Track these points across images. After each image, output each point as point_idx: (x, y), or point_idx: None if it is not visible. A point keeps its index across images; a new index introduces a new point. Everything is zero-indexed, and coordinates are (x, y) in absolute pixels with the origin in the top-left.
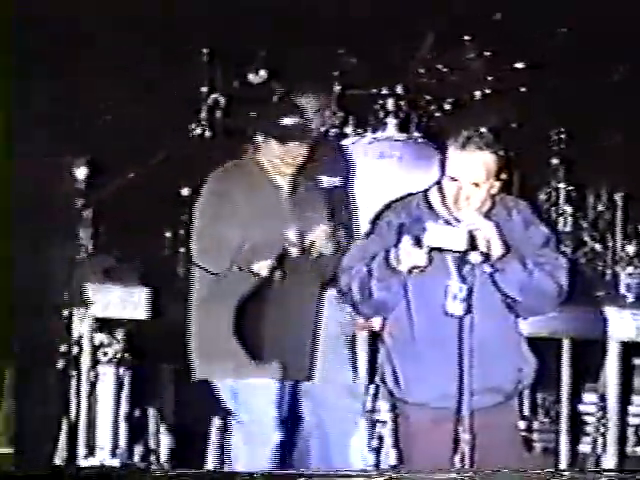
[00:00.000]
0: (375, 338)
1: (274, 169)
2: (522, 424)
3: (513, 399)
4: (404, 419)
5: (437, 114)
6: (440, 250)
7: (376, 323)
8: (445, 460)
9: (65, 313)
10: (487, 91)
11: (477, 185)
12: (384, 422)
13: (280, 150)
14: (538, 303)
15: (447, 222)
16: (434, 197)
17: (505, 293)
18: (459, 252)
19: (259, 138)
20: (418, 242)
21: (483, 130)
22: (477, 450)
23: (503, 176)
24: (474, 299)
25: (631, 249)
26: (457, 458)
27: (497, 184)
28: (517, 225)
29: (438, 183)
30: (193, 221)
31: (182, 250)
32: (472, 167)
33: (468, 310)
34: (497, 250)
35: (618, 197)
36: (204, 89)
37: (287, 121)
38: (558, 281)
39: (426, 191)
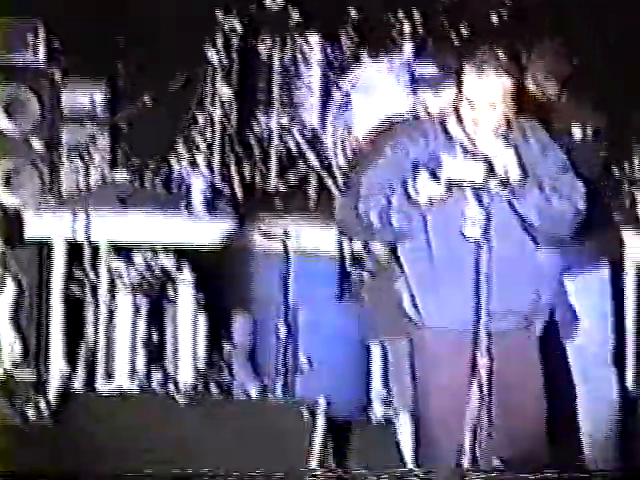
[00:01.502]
0: None
1: None
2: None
3: (532, 324)
4: (421, 344)
5: (454, 38)
6: (458, 182)
7: None
8: (464, 384)
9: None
10: (504, 15)
11: (493, 107)
12: None
13: None
14: (556, 228)
15: (463, 147)
16: (451, 121)
17: (523, 218)
18: (477, 183)
19: None
20: (435, 176)
21: (499, 52)
22: (495, 374)
23: (521, 99)
24: (492, 224)
25: None
26: (475, 381)
27: (514, 107)
28: (534, 149)
29: (454, 106)
30: None
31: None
32: (489, 89)
33: (486, 235)
34: (515, 175)
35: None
36: (220, 14)
37: None
38: (576, 205)
39: (442, 114)
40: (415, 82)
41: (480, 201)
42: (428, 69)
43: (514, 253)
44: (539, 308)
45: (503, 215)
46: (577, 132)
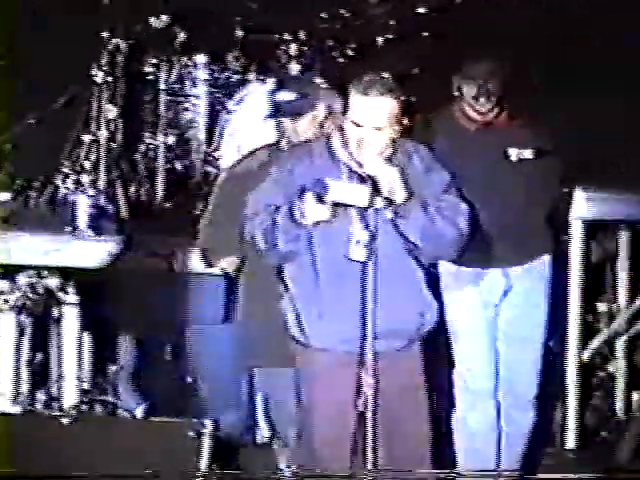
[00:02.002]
0: None
1: None
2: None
3: (415, 343)
4: (307, 364)
5: (340, 59)
6: (344, 205)
7: None
8: (349, 404)
9: None
10: (389, 36)
11: (379, 129)
12: None
13: None
14: (438, 248)
15: (348, 168)
16: (336, 142)
17: (407, 238)
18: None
19: None
20: (320, 198)
21: (385, 75)
22: (380, 394)
23: (404, 121)
24: (377, 245)
25: None
26: (360, 402)
27: (398, 129)
28: (418, 170)
29: (340, 128)
30: None
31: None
32: (374, 112)
33: (371, 255)
34: (400, 196)
35: None
36: (105, 34)
37: None
38: (458, 227)
39: (328, 136)
40: (277, 108)
41: (365, 222)
42: (289, 95)
43: (399, 274)
44: (423, 328)
45: (388, 236)
46: (514, 153)
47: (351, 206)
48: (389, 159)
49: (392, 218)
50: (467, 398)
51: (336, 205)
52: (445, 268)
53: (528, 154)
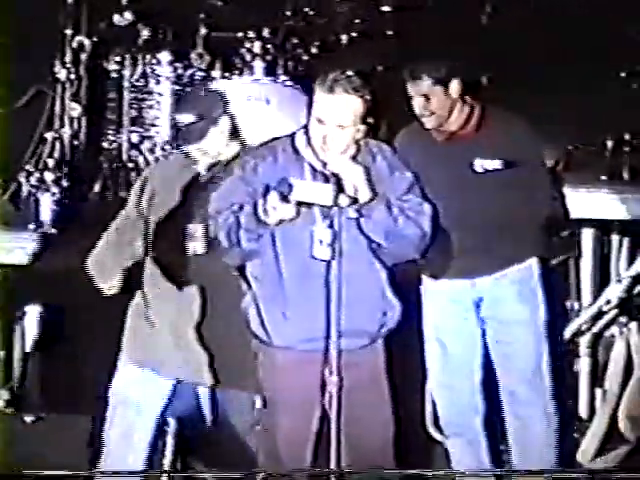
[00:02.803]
0: None
1: None
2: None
3: (377, 342)
4: (269, 362)
5: (304, 57)
6: (308, 204)
7: None
8: (311, 403)
9: None
10: (354, 34)
11: (343, 128)
12: None
13: None
14: (401, 248)
15: (312, 167)
16: (300, 140)
17: (370, 238)
18: (326, 204)
19: None
20: (284, 197)
21: (350, 73)
22: (343, 393)
23: (369, 120)
24: (340, 244)
25: None
26: (324, 400)
27: (363, 128)
28: (382, 170)
29: (305, 126)
30: None
31: None
32: (338, 110)
33: (334, 255)
34: (364, 195)
35: None
36: (69, 31)
37: None
38: (421, 227)
39: (292, 135)
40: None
41: (329, 221)
42: (187, 117)
43: (362, 273)
44: (385, 327)
45: (351, 235)
46: (478, 164)
47: (315, 205)
48: (353, 158)
49: (356, 217)
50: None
51: (300, 204)
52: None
53: (494, 165)
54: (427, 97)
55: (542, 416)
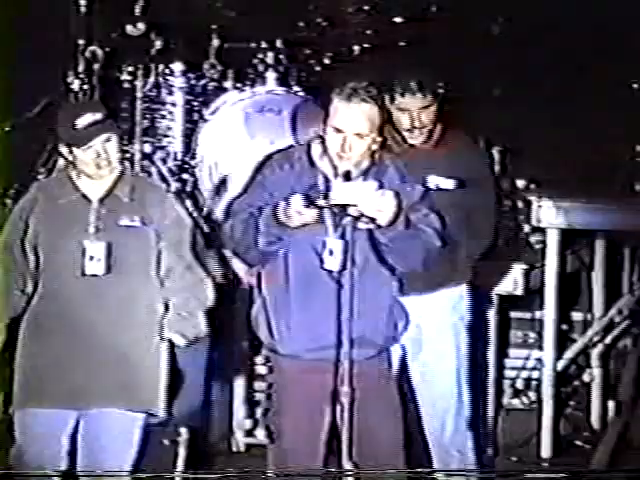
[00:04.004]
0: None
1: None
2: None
3: (384, 352)
4: (277, 370)
5: (317, 68)
6: (343, 206)
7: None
8: (321, 412)
9: None
10: (366, 45)
11: (361, 136)
12: None
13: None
14: (412, 259)
15: (326, 178)
16: (316, 151)
17: (382, 249)
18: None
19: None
20: (310, 201)
21: (368, 83)
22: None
23: (385, 131)
24: (352, 255)
25: (507, 203)
26: (333, 410)
27: (379, 139)
28: (394, 181)
29: (320, 136)
30: None
31: None
32: (357, 118)
33: (344, 265)
34: (385, 219)
35: (495, 151)
36: (82, 41)
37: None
38: (431, 237)
39: (309, 144)
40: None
41: (339, 230)
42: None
43: (371, 284)
44: (397, 337)
45: (362, 246)
46: (432, 181)
47: (329, 212)
48: (367, 170)
49: (368, 227)
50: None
51: (320, 209)
52: None
53: (447, 184)
54: (421, 111)
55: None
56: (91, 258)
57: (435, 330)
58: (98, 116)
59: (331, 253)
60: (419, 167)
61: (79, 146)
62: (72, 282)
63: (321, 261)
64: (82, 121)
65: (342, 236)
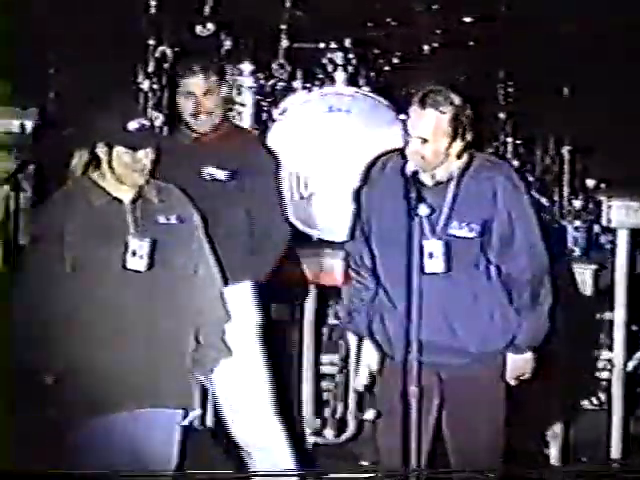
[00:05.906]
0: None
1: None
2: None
3: (484, 360)
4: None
5: (386, 68)
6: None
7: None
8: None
9: None
10: (435, 45)
11: (425, 141)
12: None
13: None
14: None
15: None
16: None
17: (488, 257)
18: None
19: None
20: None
21: (441, 88)
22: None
23: (467, 136)
24: (449, 257)
25: (578, 203)
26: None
27: (449, 143)
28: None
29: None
30: None
31: None
32: (423, 123)
33: (448, 269)
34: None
35: (565, 151)
36: (151, 41)
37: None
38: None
39: (402, 150)
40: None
41: (437, 236)
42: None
43: (476, 291)
44: (496, 349)
45: (464, 248)
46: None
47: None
48: (446, 170)
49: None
50: None
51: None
52: None
53: (219, 175)
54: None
55: None
56: (134, 254)
57: None
58: (147, 123)
59: (431, 256)
60: (203, 157)
61: (127, 148)
62: (116, 280)
63: (422, 266)
64: (133, 124)
65: (440, 239)
